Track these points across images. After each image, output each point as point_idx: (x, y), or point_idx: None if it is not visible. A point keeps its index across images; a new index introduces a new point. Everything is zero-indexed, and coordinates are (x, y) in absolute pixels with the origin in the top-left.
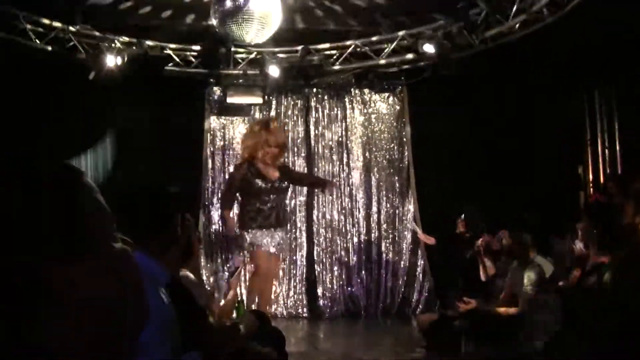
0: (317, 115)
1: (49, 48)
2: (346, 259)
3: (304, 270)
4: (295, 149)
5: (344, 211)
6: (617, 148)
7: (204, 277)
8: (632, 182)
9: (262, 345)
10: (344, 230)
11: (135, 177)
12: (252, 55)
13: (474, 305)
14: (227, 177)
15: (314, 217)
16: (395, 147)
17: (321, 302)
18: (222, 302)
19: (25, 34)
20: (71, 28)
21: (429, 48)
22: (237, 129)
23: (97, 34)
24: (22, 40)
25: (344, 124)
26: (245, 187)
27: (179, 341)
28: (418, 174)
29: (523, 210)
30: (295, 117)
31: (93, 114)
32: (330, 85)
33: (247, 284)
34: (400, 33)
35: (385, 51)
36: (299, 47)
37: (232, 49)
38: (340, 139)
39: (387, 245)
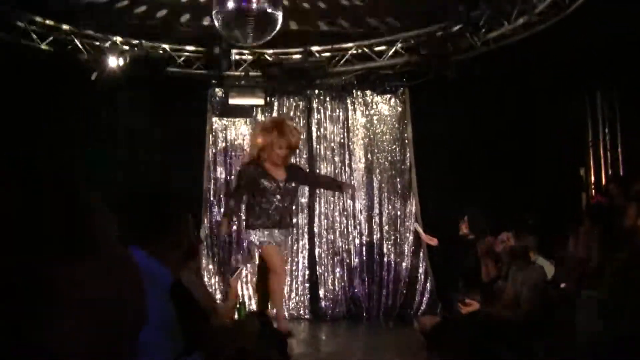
0: (319, 117)
1: (51, 49)
2: (348, 261)
3: (306, 272)
4: (297, 151)
5: (345, 213)
6: (619, 150)
7: (206, 278)
8: (634, 183)
9: (264, 347)
10: (345, 232)
11: (136, 178)
12: (254, 57)
13: (476, 306)
14: (229, 177)
15: (316, 219)
16: (397, 149)
17: (323, 303)
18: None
19: (27, 35)
20: (73, 29)
21: (430, 50)
22: (239, 130)
23: (99, 35)
24: (23, 41)
25: (345, 125)
26: (252, 186)
27: (180, 342)
28: (420, 176)
29: (525, 212)
30: (297, 119)
31: (94, 115)
32: (332, 87)
33: (255, 285)
34: (402, 34)
35: (388, 53)
36: (301, 49)
37: (234, 50)
38: (342, 141)
39: (389, 246)
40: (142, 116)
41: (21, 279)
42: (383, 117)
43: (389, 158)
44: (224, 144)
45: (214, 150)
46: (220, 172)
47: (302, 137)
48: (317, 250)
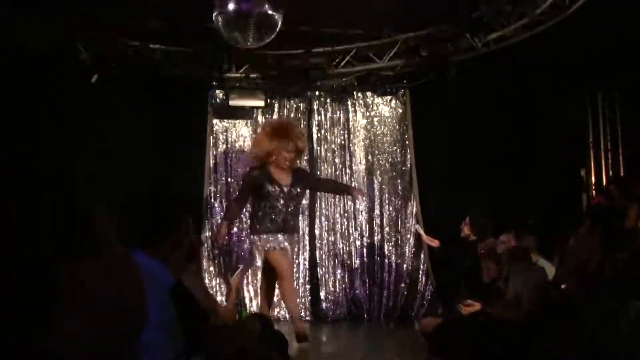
0: (319, 118)
1: (51, 50)
2: (349, 262)
3: (307, 274)
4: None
5: (346, 214)
6: (620, 151)
7: (206, 280)
8: (634, 185)
9: (265, 349)
10: (346, 234)
11: (137, 179)
12: (255, 58)
13: (477, 307)
14: (229, 179)
15: (316, 220)
16: (398, 150)
17: (324, 305)
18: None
19: (27, 36)
20: (73, 30)
21: (431, 51)
22: (240, 131)
23: (99, 36)
24: (23, 42)
25: (346, 127)
26: (256, 190)
27: (180, 343)
28: (420, 177)
29: (525, 213)
30: (297, 120)
31: (94, 116)
32: (333, 88)
33: (259, 289)
34: (403, 36)
35: (388, 54)
36: (302, 50)
37: (235, 51)
38: (342, 142)
39: (390, 248)
40: (142, 118)
41: (22, 279)
42: (383, 118)
43: (390, 159)
44: (224, 146)
45: (214, 152)
46: (221, 174)
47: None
48: (317, 251)
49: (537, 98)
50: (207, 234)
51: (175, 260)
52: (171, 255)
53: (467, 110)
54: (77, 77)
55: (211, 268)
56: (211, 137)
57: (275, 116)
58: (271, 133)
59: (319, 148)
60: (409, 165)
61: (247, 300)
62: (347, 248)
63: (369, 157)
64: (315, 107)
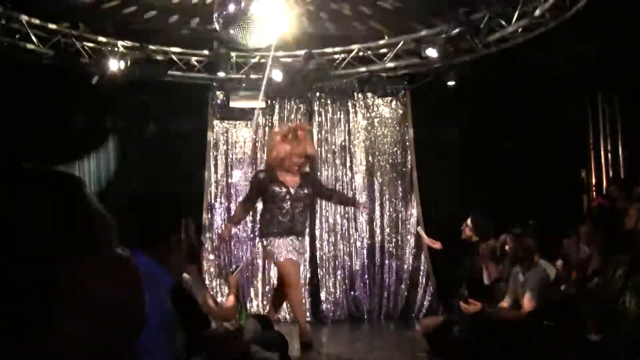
0: (320, 120)
1: (52, 52)
2: (349, 263)
3: (307, 275)
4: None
5: (346, 215)
6: (620, 152)
7: (207, 281)
8: (635, 186)
9: (265, 350)
10: (346, 235)
11: (138, 181)
12: (255, 60)
13: (478, 307)
14: (229, 180)
15: (317, 222)
16: (398, 151)
17: (324, 306)
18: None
19: (29, 38)
20: (74, 32)
21: (431, 52)
22: (240, 132)
23: (100, 38)
24: (25, 45)
25: (347, 128)
26: (263, 191)
27: (181, 344)
28: (421, 178)
29: (526, 214)
30: (298, 121)
31: (95, 118)
32: (334, 90)
33: (272, 298)
34: (403, 37)
35: (388, 55)
36: (302, 52)
37: (235, 53)
38: (343, 143)
39: (390, 249)
40: (143, 119)
41: (22, 279)
42: (384, 119)
43: (390, 160)
44: (225, 147)
45: (215, 153)
46: (221, 175)
47: None
48: (318, 253)
49: (537, 99)
50: (207, 234)
51: (175, 261)
52: (171, 256)
53: (467, 111)
54: (78, 78)
55: (211, 269)
56: (212, 138)
57: (275, 117)
58: (282, 139)
59: (319, 149)
60: (409, 166)
61: (248, 301)
62: (348, 249)
63: (370, 158)
64: (315, 108)
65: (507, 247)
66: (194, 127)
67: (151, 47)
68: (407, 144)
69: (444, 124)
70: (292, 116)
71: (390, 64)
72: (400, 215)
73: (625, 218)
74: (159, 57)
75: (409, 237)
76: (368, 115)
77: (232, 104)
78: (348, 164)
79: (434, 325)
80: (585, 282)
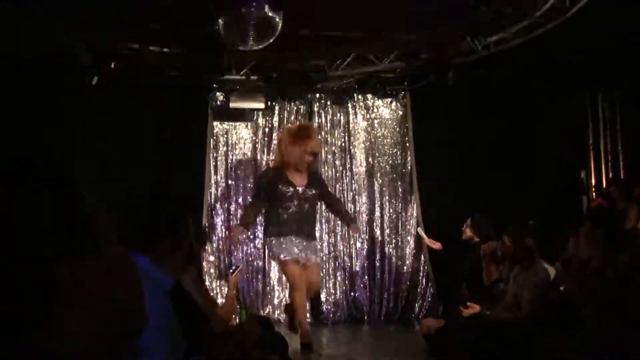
0: (319, 121)
1: (51, 52)
2: (349, 264)
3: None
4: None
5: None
6: (620, 152)
7: (207, 282)
8: (635, 186)
9: (265, 351)
10: (346, 236)
11: (137, 181)
12: (255, 61)
13: (477, 309)
14: (229, 181)
15: (317, 223)
16: (398, 152)
17: (324, 307)
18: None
19: (27, 37)
20: (74, 33)
21: (431, 53)
22: (240, 134)
23: (99, 38)
24: (24, 44)
25: (346, 129)
26: (270, 191)
27: (180, 345)
28: (421, 179)
29: (526, 215)
30: (298, 123)
31: (94, 118)
32: (333, 91)
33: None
34: (403, 38)
35: (388, 56)
36: (302, 52)
37: (235, 53)
38: (343, 144)
39: (390, 250)
40: (142, 120)
41: (22, 279)
42: (384, 120)
43: (390, 162)
44: (224, 148)
45: (214, 154)
46: (221, 176)
47: None
48: (318, 253)
49: (537, 100)
50: (207, 236)
51: (175, 262)
52: (171, 257)
53: (467, 112)
54: (78, 79)
55: (211, 270)
56: (211, 139)
57: (275, 118)
58: (293, 138)
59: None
60: (409, 167)
61: (248, 302)
62: (348, 250)
63: (370, 159)
64: (315, 109)
65: (507, 248)
66: (194, 129)
67: (150, 47)
68: (407, 145)
69: (443, 125)
70: (292, 117)
71: (390, 65)
72: (400, 216)
73: (625, 218)
74: (158, 58)
75: (409, 238)
76: (368, 116)
77: (231, 105)
78: (348, 165)
79: (434, 326)
80: (585, 282)
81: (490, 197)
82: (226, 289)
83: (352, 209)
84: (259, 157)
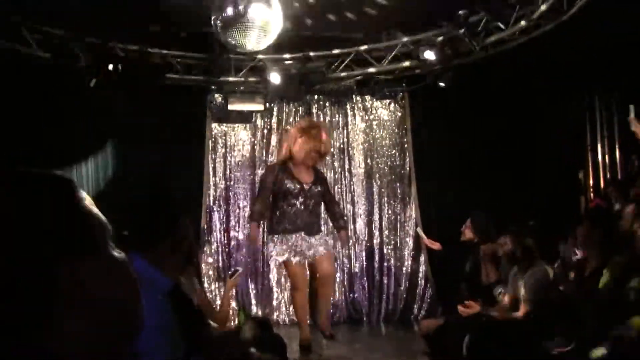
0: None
1: (49, 55)
2: (348, 266)
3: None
4: None
5: (345, 217)
6: (617, 153)
7: (205, 284)
8: (632, 187)
9: (264, 352)
10: (345, 241)
11: (136, 182)
12: (253, 62)
13: (476, 309)
14: (228, 183)
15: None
16: (397, 154)
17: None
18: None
19: (25, 41)
20: (71, 35)
21: (429, 55)
22: (239, 135)
23: (97, 40)
24: (21, 48)
25: (345, 130)
26: (276, 187)
27: (179, 346)
28: (419, 180)
29: (525, 215)
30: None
31: (93, 121)
32: (332, 92)
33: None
34: (401, 40)
35: (387, 58)
36: (300, 54)
37: (233, 56)
38: (341, 146)
39: (389, 251)
40: (141, 121)
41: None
42: (382, 122)
43: (389, 163)
44: (223, 150)
45: (213, 156)
46: (220, 178)
47: None
48: None
49: (535, 101)
50: (205, 237)
51: (174, 263)
52: (170, 258)
53: (466, 114)
54: (76, 81)
55: (210, 272)
56: (210, 141)
57: (274, 120)
58: (303, 134)
59: None
60: (407, 168)
61: (247, 303)
62: (346, 251)
63: (368, 161)
64: (314, 110)
65: (506, 248)
66: (193, 130)
67: (149, 49)
68: (406, 146)
69: (442, 126)
70: (291, 119)
71: (389, 66)
72: (399, 217)
73: (623, 219)
74: (157, 60)
75: (407, 239)
76: (366, 117)
77: (230, 107)
78: (346, 167)
79: (434, 327)
80: (582, 283)
81: (489, 197)
82: (223, 289)
83: (351, 210)
84: (257, 158)
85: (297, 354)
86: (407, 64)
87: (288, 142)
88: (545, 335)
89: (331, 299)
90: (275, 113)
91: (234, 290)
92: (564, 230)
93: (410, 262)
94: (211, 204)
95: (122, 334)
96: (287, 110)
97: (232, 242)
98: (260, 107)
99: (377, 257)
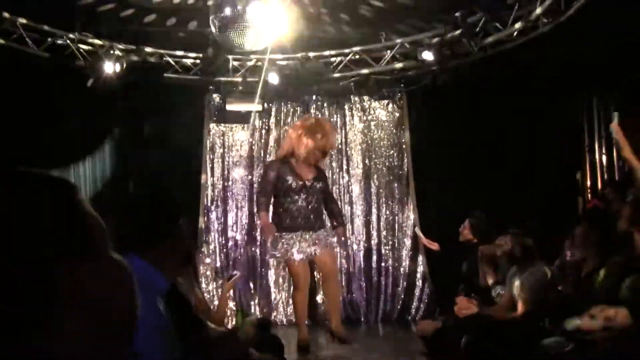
0: None
1: (47, 55)
2: (346, 266)
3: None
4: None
5: (343, 218)
6: (615, 154)
7: (203, 285)
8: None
9: (262, 353)
10: (343, 238)
11: (134, 184)
12: (252, 63)
13: (474, 309)
14: (226, 183)
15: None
16: (395, 154)
17: (321, 309)
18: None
19: (23, 41)
20: (69, 35)
21: (427, 55)
22: (237, 136)
23: (95, 40)
24: (19, 47)
25: (343, 131)
26: (278, 183)
27: (177, 348)
28: (417, 181)
29: (523, 216)
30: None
31: (91, 121)
32: (330, 93)
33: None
34: (399, 40)
35: (385, 58)
36: (299, 54)
37: (232, 56)
38: (339, 146)
39: (387, 251)
40: (138, 122)
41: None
42: (380, 122)
43: (387, 163)
44: (221, 150)
45: (211, 156)
46: (218, 178)
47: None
48: None
49: (532, 102)
50: (203, 238)
51: (171, 264)
52: (167, 259)
53: (463, 115)
54: (73, 82)
55: (208, 272)
56: (208, 141)
57: (272, 120)
58: (308, 132)
59: None
60: (405, 169)
61: (246, 304)
62: (344, 252)
63: (366, 161)
64: (312, 111)
65: (505, 248)
66: (190, 130)
67: (147, 49)
68: (404, 146)
69: (440, 126)
70: (289, 119)
71: (387, 67)
72: (397, 218)
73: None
74: (155, 60)
75: (405, 239)
76: (364, 118)
77: (228, 107)
78: (344, 167)
79: (431, 328)
80: (580, 283)
81: (487, 198)
82: (221, 291)
83: (349, 211)
84: (255, 158)
85: (295, 355)
86: (405, 64)
87: (291, 140)
88: (544, 335)
89: (340, 298)
90: (273, 113)
91: (231, 292)
92: (562, 230)
93: (408, 263)
94: (209, 204)
95: (121, 334)
96: (285, 110)
97: (230, 243)
98: (259, 107)
99: (374, 258)
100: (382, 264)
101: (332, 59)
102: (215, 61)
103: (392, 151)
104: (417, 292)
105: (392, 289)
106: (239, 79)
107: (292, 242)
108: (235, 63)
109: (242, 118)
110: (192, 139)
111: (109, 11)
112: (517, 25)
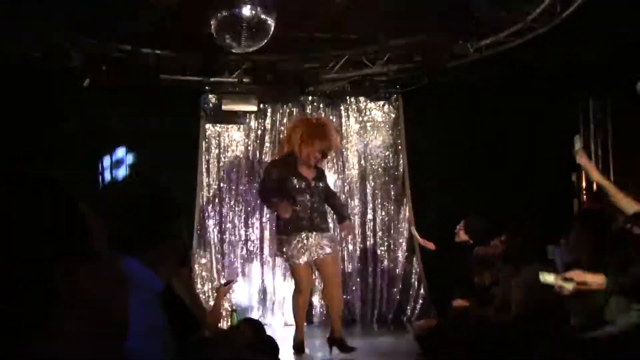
0: None
1: (41, 55)
2: (341, 267)
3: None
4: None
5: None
6: (610, 156)
7: (198, 285)
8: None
9: (257, 354)
10: (339, 238)
11: (130, 184)
12: (247, 63)
13: (465, 304)
14: (221, 184)
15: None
16: (391, 155)
17: (317, 310)
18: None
19: (20, 41)
20: (65, 35)
21: (424, 56)
22: (232, 136)
23: (91, 41)
24: (16, 48)
25: (339, 132)
26: (281, 184)
27: (172, 349)
28: (413, 182)
29: (520, 217)
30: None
31: (87, 122)
32: (326, 93)
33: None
34: (396, 41)
35: (381, 59)
36: (295, 55)
37: (227, 56)
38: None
39: (383, 252)
40: (134, 123)
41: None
42: (376, 123)
43: (383, 164)
44: (217, 150)
45: (207, 157)
46: (213, 179)
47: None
48: None
49: (528, 104)
50: (200, 238)
51: (167, 265)
52: (162, 260)
53: (460, 116)
54: (69, 82)
55: (203, 273)
56: (203, 142)
57: (268, 121)
58: (308, 132)
59: None
60: (401, 170)
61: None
62: (340, 252)
63: (362, 162)
64: (308, 111)
65: (500, 249)
66: (186, 131)
67: (143, 49)
68: (400, 147)
69: (436, 128)
70: (285, 120)
71: (383, 68)
72: (392, 219)
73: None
74: (150, 60)
75: (401, 240)
76: (360, 119)
77: (224, 108)
78: (340, 168)
79: (427, 328)
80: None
81: (485, 198)
82: (216, 295)
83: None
84: (251, 159)
85: (291, 356)
86: (401, 65)
87: (292, 140)
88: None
89: (342, 305)
90: (269, 114)
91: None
92: (559, 231)
93: (403, 263)
94: (204, 204)
95: (118, 333)
96: (281, 111)
97: (225, 243)
98: (254, 108)
99: (370, 259)
100: (378, 265)
101: (329, 60)
102: (211, 61)
103: (387, 152)
104: (412, 293)
105: (388, 290)
106: (235, 79)
107: (297, 244)
108: (231, 63)
109: (238, 118)
110: (188, 139)
111: (107, 11)
112: (514, 27)
